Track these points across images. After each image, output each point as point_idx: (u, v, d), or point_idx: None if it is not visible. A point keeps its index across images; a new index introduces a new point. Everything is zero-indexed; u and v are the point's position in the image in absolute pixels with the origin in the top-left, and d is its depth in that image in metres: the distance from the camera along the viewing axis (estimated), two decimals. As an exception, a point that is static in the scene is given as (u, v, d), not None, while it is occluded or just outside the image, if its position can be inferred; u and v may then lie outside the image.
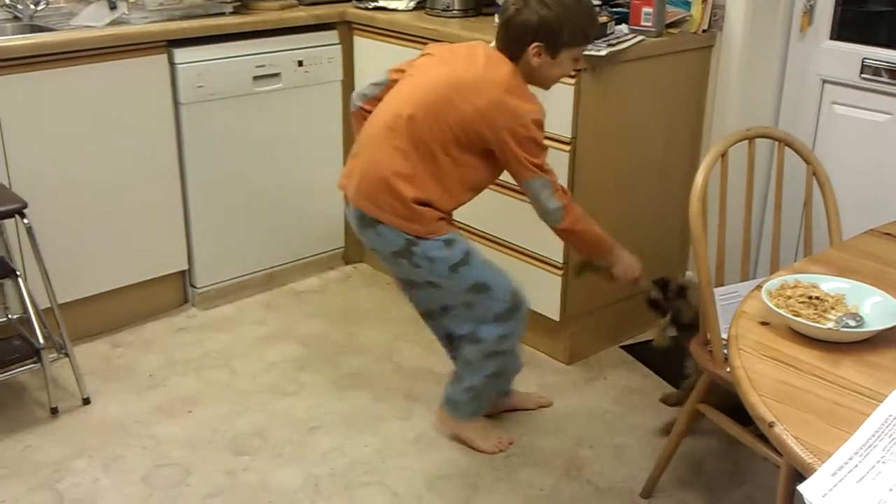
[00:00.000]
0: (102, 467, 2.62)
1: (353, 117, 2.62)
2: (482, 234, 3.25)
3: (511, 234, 3.15)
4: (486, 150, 2.35)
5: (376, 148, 2.38)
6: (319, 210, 3.73)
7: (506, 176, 3.07)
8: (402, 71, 2.52)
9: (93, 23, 3.13)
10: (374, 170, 2.37)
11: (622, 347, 3.29)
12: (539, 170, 2.36)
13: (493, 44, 2.43)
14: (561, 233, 2.48)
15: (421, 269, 2.43)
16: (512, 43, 2.35)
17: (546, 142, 2.90)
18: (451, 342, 2.74)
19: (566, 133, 2.86)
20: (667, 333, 2.69)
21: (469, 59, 2.39)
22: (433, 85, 2.35)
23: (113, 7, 3.21)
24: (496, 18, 3.19)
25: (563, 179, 2.90)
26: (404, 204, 2.34)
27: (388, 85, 2.52)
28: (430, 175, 2.35)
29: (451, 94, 2.31)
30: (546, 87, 2.48)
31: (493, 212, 3.17)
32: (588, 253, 2.58)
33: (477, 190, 2.49)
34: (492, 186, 3.12)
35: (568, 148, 2.87)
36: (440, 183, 2.36)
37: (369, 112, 2.52)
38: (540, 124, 2.35)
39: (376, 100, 2.53)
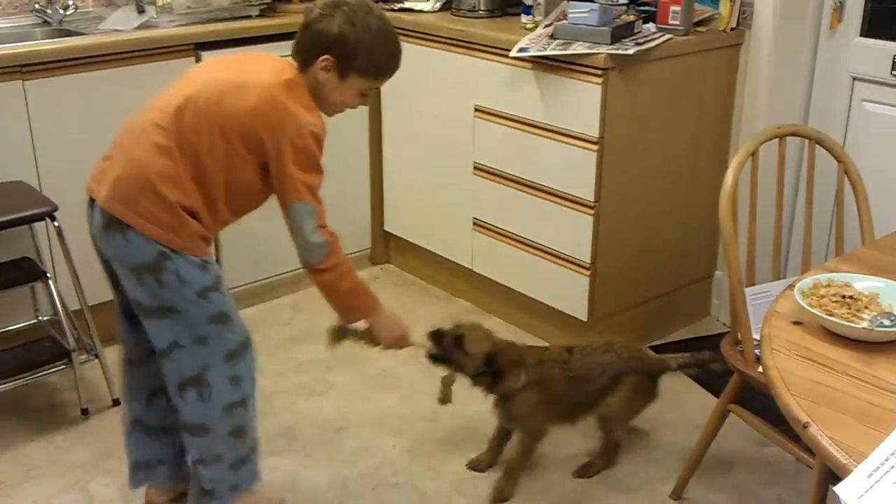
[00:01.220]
0: (133, 468, 2.63)
1: None
2: (509, 233, 3.24)
3: (538, 234, 3.14)
4: (261, 164, 2.09)
5: (137, 146, 2.07)
6: (346, 211, 3.74)
7: (533, 174, 3.09)
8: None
9: (121, 26, 3.16)
10: (133, 169, 2.05)
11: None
12: (310, 194, 2.09)
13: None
14: (321, 276, 2.16)
15: (166, 290, 2.08)
16: (305, 49, 2.13)
17: (571, 140, 2.92)
18: (151, 401, 2.37)
19: (594, 132, 2.85)
20: (450, 390, 2.49)
21: (253, 63, 2.18)
22: (208, 82, 2.09)
23: (141, 11, 3.24)
24: (523, 18, 3.20)
25: (590, 179, 2.90)
26: (168, 208, 2.04)
27: None
28: (196, 182, 2.06)
29: (226, 91, 2.06)
30: (328, 110, 2.20)
31: (520, 211, 3.17)
32: (348, 307, 2.24)
33: (242, 211, 2.21)
34: (519, 186, 3.14)
35: (595, 147, 2.86)
36: (205, 193, 2.08)
37: None
38: (319, 141, 2.09)
39: None
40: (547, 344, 2.58)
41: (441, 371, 2.49)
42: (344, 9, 2.09)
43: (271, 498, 2.51)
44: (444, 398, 2.50)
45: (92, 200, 2.14)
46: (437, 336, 2.44)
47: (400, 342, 2.36)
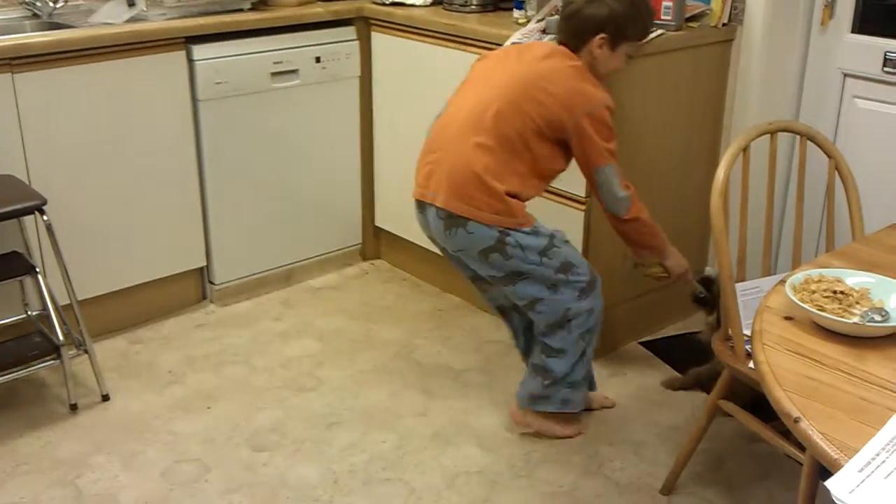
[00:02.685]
0: (122, 463, 2.62)
1: None
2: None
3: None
4: (560, 139, 2.43)
5: (459, 147, 2.42)
6: (337, 207, 3.73)
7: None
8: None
9: (111, 20, 3.14)
10: (462, 168, 2.41)
11: (642, 344, 3.27)
12: (612, 157, 2.44)
13: (547, 38, 2.54)
14: (626, 223, 2.52)
15: (513, 260, 2.45)
16: (576, 35, 2.47)
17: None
18: (528, 338, 2.80)
19: (585, 128, 2.85)
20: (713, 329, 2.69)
21: (536, 54, 2.48)
22: (513, 80, 2.43)
23: (131, 4, 3.22)
24: (515, 13, 3.19)
25: (580, 175, 2.89)
26: (498, 198, 2.39)
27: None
28: (513, 168, 2.41)
29: (532, 87, 2.39)
30: (601, 80, 2.51)
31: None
32: (646, 246, 2.61)
33: (551, 179, 2.55)
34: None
35: (587, 143, 2.86)
36: (521, 175, 2.43)
37: None
38: (611, 111, 2.44)
39: None
40: None
41: None
42: None
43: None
44: (708, 337, 2.66)
45: (420, 203, 2.54)
46: (707, 281, 2.76)
47: (686, 275, 2.70)
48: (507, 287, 2.55)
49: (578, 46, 2.48)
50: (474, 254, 2.47)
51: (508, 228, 2.42)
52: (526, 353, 2.84)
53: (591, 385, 2.84)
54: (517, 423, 2.75)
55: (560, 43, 2.52)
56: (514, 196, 2.42)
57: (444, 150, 2.47)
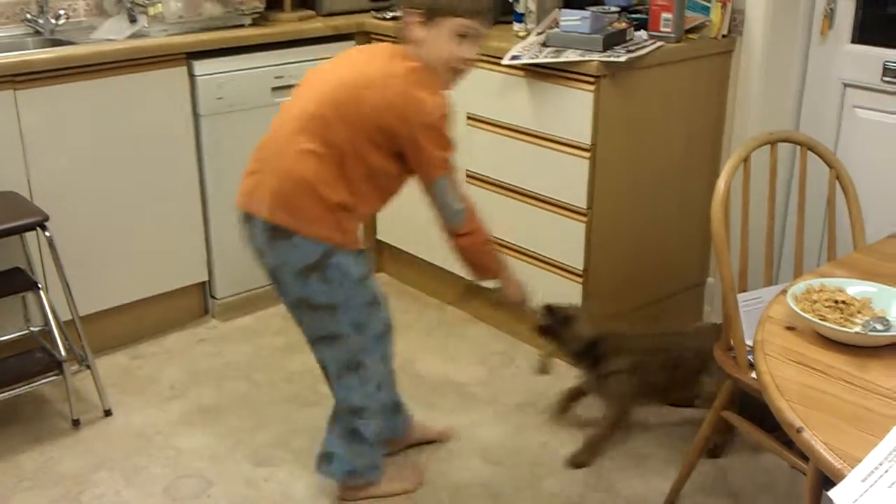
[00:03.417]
0: (124, 479, 2.62)
1: None
2: (501, 241, 3.23)
3: (531, 242, 3.14)
4: (395, 149, 2.21)
5: (286, 155, 2.20)
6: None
7: (525, 181, 3.09)
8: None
9: (113, 36, 3.15)
10: (289, 177, 2.19)
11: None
12: (447, 167, 2.25)
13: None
14: (462, 240, 2.34)
15: (330, 285, 2.25)
16: (400, 26, 2.27)
17: (563, 147, 2.92)
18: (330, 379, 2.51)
19: (586, 140, 2.85)
20: (548, 363, 2.66)
21: (370, 56, 2.29)
22: (338, 84, 2.21)
23: (133, 20, 3.23)
24: (515, 26, 3.21)
25: (582, 186, 2.90)
26: (329, 209, 2.19)
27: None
28: (345, 180, 2.20)
29: (359, 90, 2.17)
30: (445, 76, 2.25)
31: (512, 219, 3.17)
32: (484, 266, 2.41)
33: (387, 198, 2.34)
34: (511, 193, 3.14)
35: (588, 154, 2.86)
36: (354, 187, 2.21)
37: None
38: (448, 119, 2.22)
39: None
40: (647, 331, 2.77)
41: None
42: None
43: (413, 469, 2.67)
44: (543, 369, 2.64)
45: (246, 214, 2.29)
46: (549, 310, 2.62)
47: (523, 301, 2.53)
48: (312, 314, 2.33)
49: (405, 37, 2.25)
50: (294, 271, 2.24)
51: (334, 247, 2.22)
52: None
53: (399, 428, 2.67)
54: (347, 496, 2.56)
55: (399, 42, 2.30)
56: (346, 210, 2.21)
57: (270, 158, 2.25)
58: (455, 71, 2.27)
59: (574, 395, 2.84)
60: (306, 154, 2.17)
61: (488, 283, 2.50)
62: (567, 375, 2.92)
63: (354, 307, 2.31)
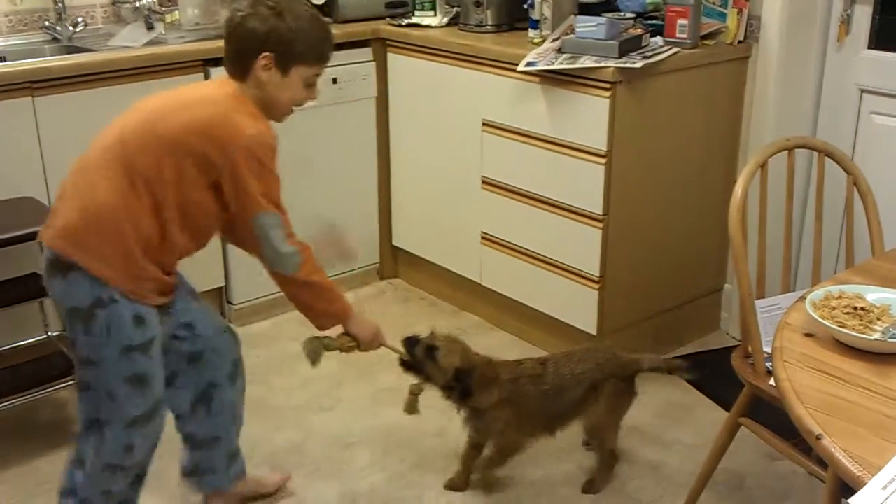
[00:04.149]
0: (141, 483, 2.63)
1: None
2: (517, 247, 3.24)
3: (547, 248, 3.14)
4: (213, 183, 2.01)
5: (83, 184, 2.00)
6: (354, 226, 3.74)
7: (541, 187, 3.09)
8: None
9: (130, 43, 3.17)
10: (82, 206, 1.98)
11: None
12: (271, 203, 2.05)
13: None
14: (294, 286, 2.14)
15: (90, 339, 2.03)
16: (239, 56, 2.06)
17: (579, 154, 2.92)
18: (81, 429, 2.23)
19: (602, 146, 2.85)
20: (416, 400, 2.46)
21: (192, 88, 2.17)
22: (147, 108, 2.05)
23: (150, 27, 3.26)
24: (530, 33, 3.21)
25: (598, 192, 2.90)
26: (120, 246, 1.97)
27: None
28: (151, 211, 1.99)
29: (169, 111, 2.02)
30: (279, 115, 2.14)
31: (528, 225, 3.17)
32: (324, 312, 2.22)
33: (201, 236, 2.13)
34: (527, 199, 3.14)
35: (603, 161, 2.86)
36: (160, 222, 2.01)
37: None
38: (272, 149, 2.05)
39: None
40: (521, 358, 2.59)
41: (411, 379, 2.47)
42: (266, 3, 2.04)
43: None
44: (411, 408, 2.47)
45: (40, 244, 2.07)
46: (410, 342, 2.42)
47: (376, 341, 2.33)
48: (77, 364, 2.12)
49: (244, 72, 2.06)
50: (64, 309, 2.03)
51: (110, 296, 1.98)
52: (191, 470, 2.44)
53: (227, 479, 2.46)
54: None
55: (229, 74, 2.10)
56: (144, 250, 2.00)
57: (73, 183, 2.03)
58: (291, 111, 2.17)
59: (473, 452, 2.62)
60: (105, 182, 1.97)
61: (332, 331, 2.29)
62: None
63: (111, 376, 2.06)
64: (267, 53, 2.03)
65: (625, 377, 2.55)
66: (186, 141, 1.98)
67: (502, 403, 2.44)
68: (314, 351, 2.29)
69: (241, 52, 2.06)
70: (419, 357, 2.41)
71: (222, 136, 1.98)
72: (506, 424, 2.47)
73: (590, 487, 2.60)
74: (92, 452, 2.14)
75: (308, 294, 2.17)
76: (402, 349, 2.42)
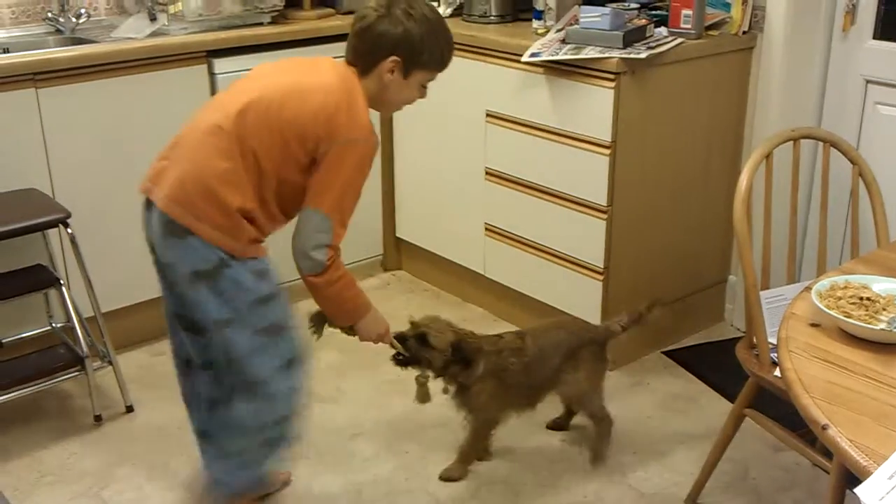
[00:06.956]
0: (146, 474, 2.63)
1: None
2: (521, 239, 3.24)
3: (550, 239, 3.13)
4: (310, 164, 2.07)
5: (198, 149, 2.06)
6: (358, 217, 3.70)
7: (545, 179, 3.08)
8: None
9: (133, 34, 3.17)
10: (193, 172, 2.05)
11: (664, 353, 3.26)
12: (336, 211, 2.08)
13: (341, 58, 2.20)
14: (313, 286, 2.15)
15: (221, 298, 2.08)
16: (367, 54, 2.11)
17: (583, 144, 2.92)
18: (208, 407, 2.32)
19: (606, 137, 2.84)
20: (426, 388, 2.49)
21: (312, 67, 2.17)
22: (269, 86, 2.09)
23: (153, 18, 3.25)
24: (534, 23, 3.20)
25: (602, 183, 2.89)
26: (226, 214, 2.04)
27: None
28: (253, 186, 2.06)
29: (288, 95, 2.06)
30: (389, 111, 2.27)
31: (532, 216, 3.16)
32: (332, 315, 2.26)
33: (292, 211, 2.15)
34: (531, 190, 3.14)
35: (608, 151, 2.86)
36: (260, 195, 2.08)
37: None
38: (376, 151, 2.13)
39: None
40: (500, 332, 2.63)
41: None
42: (400, 6, 2.09)
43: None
44: (423, 398, 2.50)
45: (148, 201, 2.13)
46: (401, 339, 2.43)
47: (379, 339, 2.35)
48: (196, 335, 2.17)
49: (367, 68, 2.12)
50: (185, 273, 2.08)
51: (231, 256, 2.06)
52: (202, 427, 2.40)
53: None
54: None
55: (348, 63, 2.16)
56: (248, 218, 2.07)
57: (183, 148, 2.10)
58: (400, 108, 2.27)
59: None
60: (217, 151, 2.03)
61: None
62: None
63: (247, 329, 2.12)
64: (395, 58, 2.09)
65: (598, 343, 2.62)
66: (302, 126, 2.03)
67: (487, 376, 2.48)
68: (318, 324, 2.33)
69: (369, 52, 2.11)
70: (414, 349, 2.43)
71: (333, 128, 2.03)
72: (489, 397, 2.49)
73: (595, 459, 2.64)
74: (248, 417, 2.19)
75: (322, 293, 2.18)
76: (398, 346, 2.43)
